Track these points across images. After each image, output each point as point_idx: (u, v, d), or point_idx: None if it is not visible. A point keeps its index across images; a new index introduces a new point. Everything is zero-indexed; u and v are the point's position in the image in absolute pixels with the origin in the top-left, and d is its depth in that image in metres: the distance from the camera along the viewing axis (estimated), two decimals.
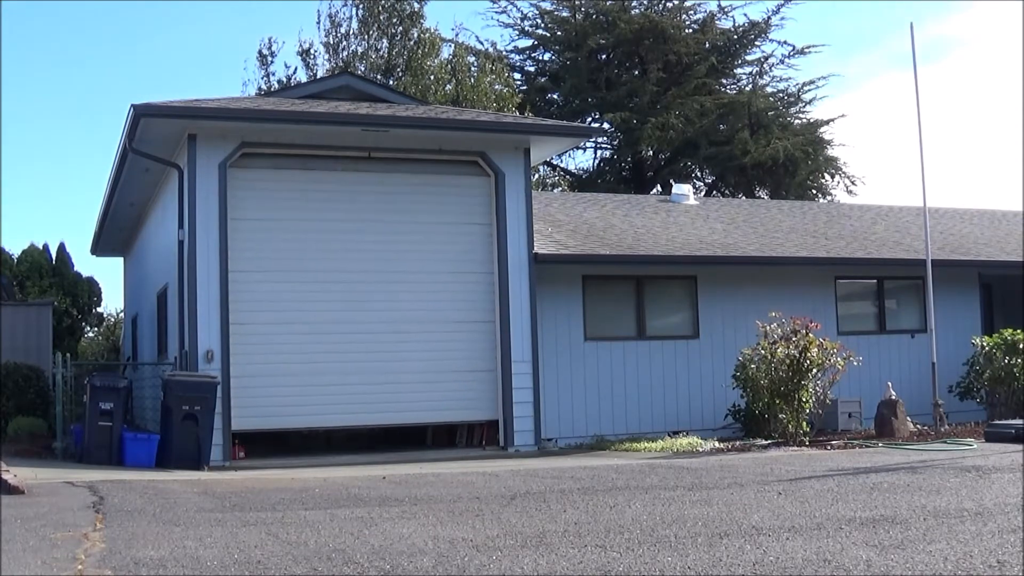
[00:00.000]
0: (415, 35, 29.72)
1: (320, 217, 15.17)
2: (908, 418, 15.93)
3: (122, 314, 28.35)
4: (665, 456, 13.75)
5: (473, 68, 30.33)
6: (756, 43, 36.69)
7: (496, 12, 36.62)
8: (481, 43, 35.11)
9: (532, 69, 37.27)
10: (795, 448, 14.37)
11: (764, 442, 14.93)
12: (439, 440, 16.56)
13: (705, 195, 33.92)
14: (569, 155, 36.55)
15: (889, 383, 16.30)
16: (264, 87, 29.23)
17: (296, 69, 29.90)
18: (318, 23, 33.31)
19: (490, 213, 15.95)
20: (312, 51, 29.88)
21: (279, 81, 29.36)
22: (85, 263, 49.99)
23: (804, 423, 15.24)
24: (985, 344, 17.53)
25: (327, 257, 15.16)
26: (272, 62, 29.81)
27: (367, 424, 15.46)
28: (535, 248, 16.12)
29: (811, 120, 36.66)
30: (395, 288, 15.38)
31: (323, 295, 15.04)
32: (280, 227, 14.99)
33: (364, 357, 15.08)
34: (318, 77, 27.86)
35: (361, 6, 29.77)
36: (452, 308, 15.63)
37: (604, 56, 36.04)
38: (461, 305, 15.69)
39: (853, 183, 37.08)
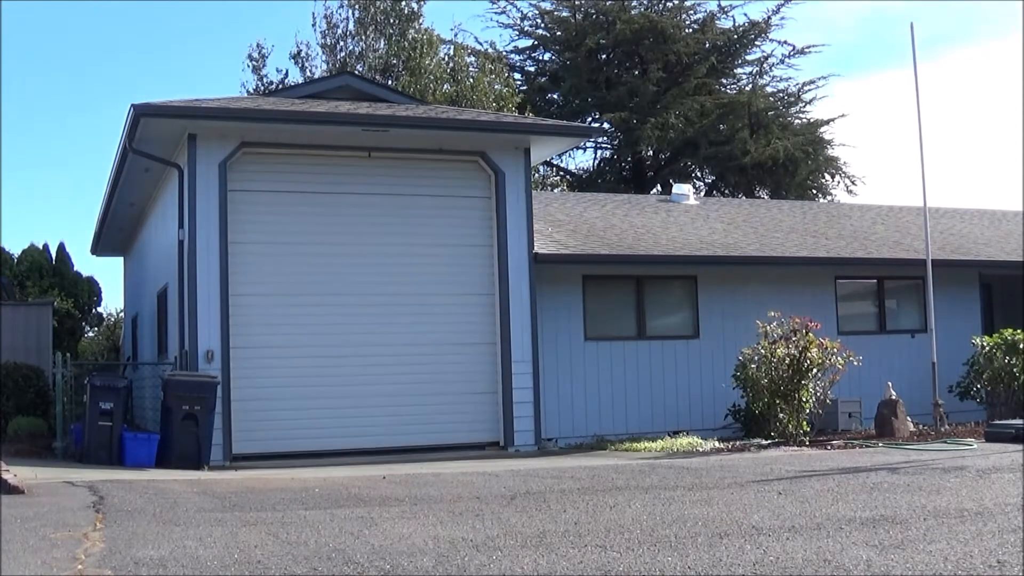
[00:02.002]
0: (411, 35, 29.69)
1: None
2: (908, 418, 15.93)
3: (122, 314, 28.35)
4: (665, 456, 13.75)
5: (472, 68, 30.32)
6: (756, 43, 36.69)
7: (495, 13, 36.66)
8: (480, 44, 35.14)
9: (532, 69, 37.27)
10: (795, 448, 14.37)
11: (764, 442, 14.92)
12: None
13: (705, 195, 33.91)
14: (569, 155, 36.57)
15: (889, 383, 16.29)
16: (262, 88, 29.20)
17: (287, 72, 29.98)
18: (314, 25, 33.38)
19: (490, 213, 15.95)
20: (306, 54, 29.84)
21: (270, 83, 29.34)
22: (85, 263, 50.04)
23: (804, 423, 15.24)
24: (985, 344, 17.52)
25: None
26: (264, 65, 29.82)
27: (369, 447, 14.70)
28: (535, 248, 16.11)
29: (811, 120, 36.67)
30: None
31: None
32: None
33: (364, 378, 15.07)
34: (317, 77, 27.84)
35: (356, 7, 29.76)
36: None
37: (604, 56, 36.02)
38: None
39: (853, 183, 37.15)
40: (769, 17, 36.03)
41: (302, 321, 14.88)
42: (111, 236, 22.35)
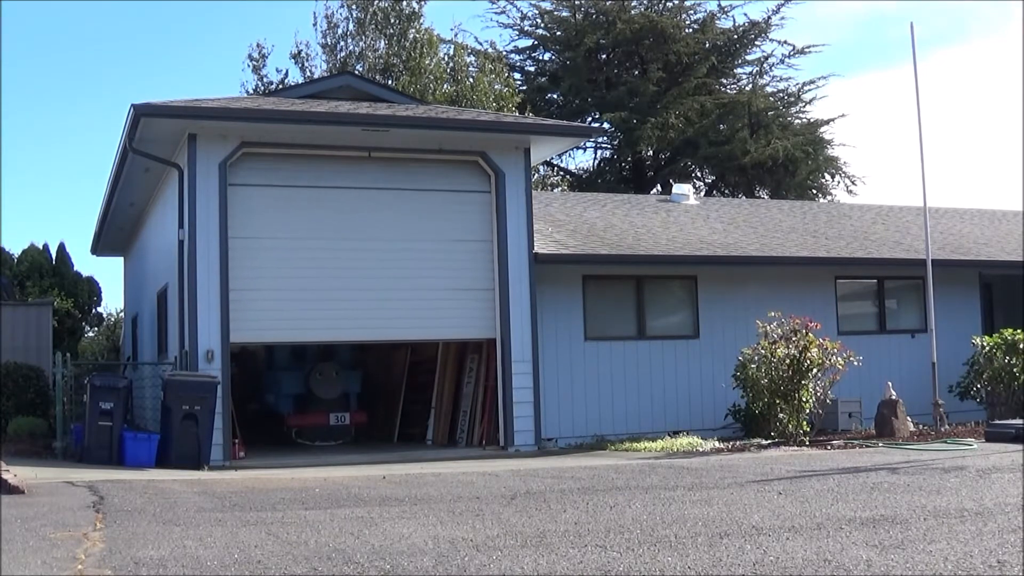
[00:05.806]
0: (411, 35, 29.67)
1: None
2: (908, 418, 15.92)
3: (122, 314, 28.34)
4: (665, 456, 13.75)
5: (472, 68, 30.31)
6: (756, 43, 36.69)
7: (495, 13, 36.67)
8: (480, 44, 35.13)
9: (532, 69, 37.28)
10: (795, 448, 14.37)
11: (764, 442, 14.92)
12: (439, 439, 16.64)
13: (705, 195, 33.91)
14: (569, 155, 36.60)
15: (889, 383, 16.28)
16: (262, 88, 29.19)
17: (287, 72, 29.96)
18: (314, 24, 33.37)
19: (490, 213, 15.94)
20: (306, 54, 29.85)
21: (270, 83, 29.34)
22: (85, 263, 50.09)
23: (804, 423, 15.23)
24: (985, 344, 17.50)
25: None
26: (265, 65, 29.80)
27: (366, 340, 16.14)
28: (535, 248, 16.11)
29: (811, 120, 36.68)
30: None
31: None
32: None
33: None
34: (317, 77, 27.83)
35: (356, 7, 29.74)
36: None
37: (604, 56, 36.03)
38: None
39: (853, 183, 37.16)
40: (769, 17, 36.08)
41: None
42: (111, 236, 22.35)
